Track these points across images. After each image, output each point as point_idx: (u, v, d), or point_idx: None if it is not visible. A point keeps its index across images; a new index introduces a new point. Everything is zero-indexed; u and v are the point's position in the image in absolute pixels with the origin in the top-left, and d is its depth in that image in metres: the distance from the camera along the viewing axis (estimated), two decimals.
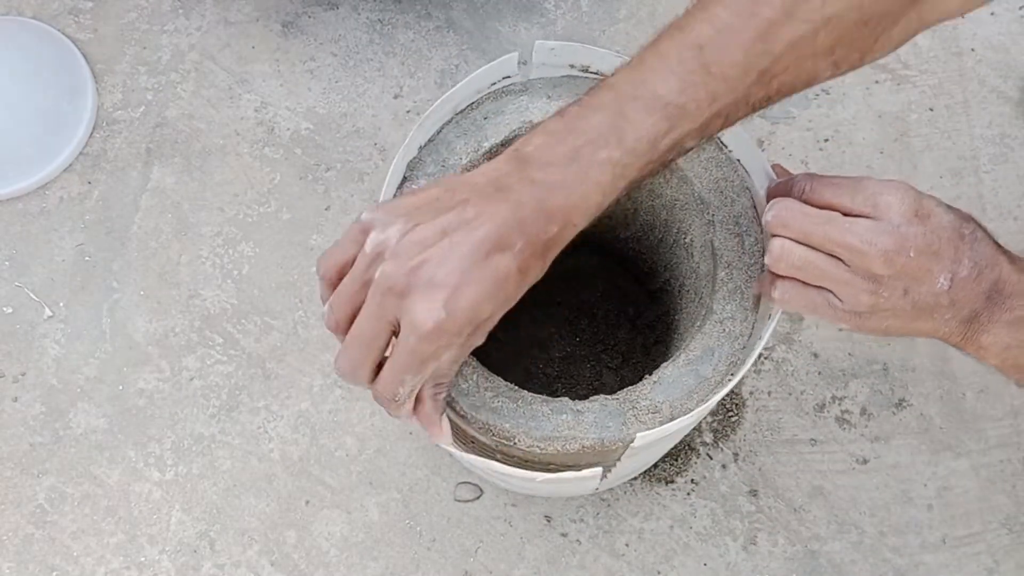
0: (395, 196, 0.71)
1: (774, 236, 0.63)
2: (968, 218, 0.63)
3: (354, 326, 0.58)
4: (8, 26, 1.10)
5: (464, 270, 0.56)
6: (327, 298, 0.60)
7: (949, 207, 0.63)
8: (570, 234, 0.60)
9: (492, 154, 0.73)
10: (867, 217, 0.61)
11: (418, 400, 0.62)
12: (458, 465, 0.95)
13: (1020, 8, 1.10)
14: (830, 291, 0.62)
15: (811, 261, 0.62)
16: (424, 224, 0.57)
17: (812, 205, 0.62)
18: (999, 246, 0.64)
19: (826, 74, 0.63)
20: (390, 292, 0.56)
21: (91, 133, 1.06)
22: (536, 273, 0.60)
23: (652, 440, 0.65)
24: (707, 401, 0.66)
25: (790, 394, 0.97)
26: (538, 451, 0.66)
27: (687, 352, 0.68)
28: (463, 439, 0.71)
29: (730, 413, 0.96)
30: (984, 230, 0.63)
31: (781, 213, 0.62)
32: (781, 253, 0.62)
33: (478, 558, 0.92)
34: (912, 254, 0.60)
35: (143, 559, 0.93)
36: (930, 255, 0.61)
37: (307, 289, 1.01)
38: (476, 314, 0.56)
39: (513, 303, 0.59)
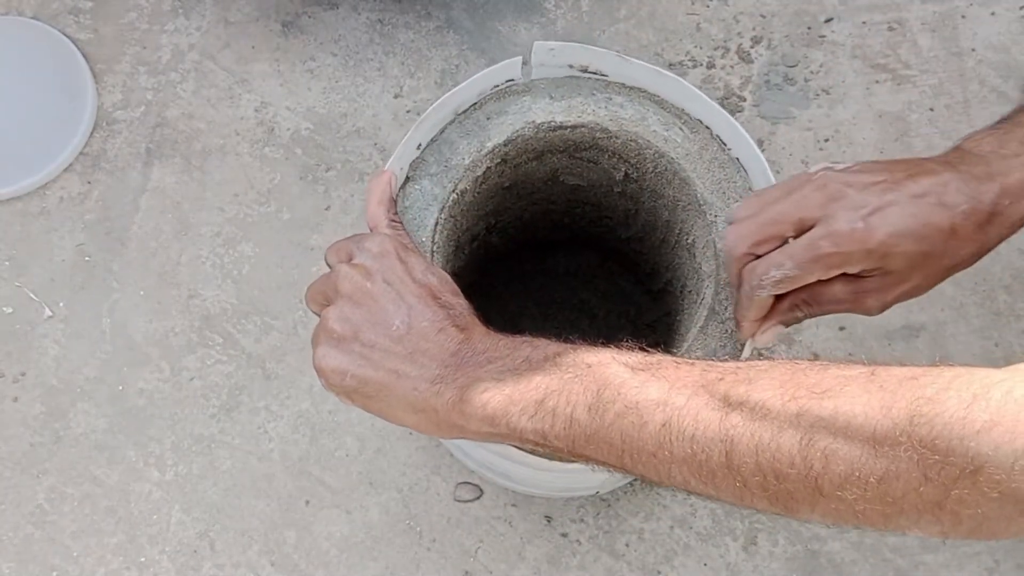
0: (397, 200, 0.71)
1: None
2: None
3: (771, 206, 0.62)
4: (8, 26, 1.10)
5: (895, 201, 0.59)
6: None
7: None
8: (1018, 214, 0.61)
9: (495, 154, 0.73)
10: None
11: (773, 310, 0.65)
12: (458, 465, 0.95)
13: (1020, 8, 1.10)
14: None
15: None
16: (870, 169, 0.61)
17: None
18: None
19: None
20: (822, 190, 0.60)
21: (91, 133, 1.06)
22: (969, 248, 0.61)
23: None
24: None
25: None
26: (540, 451, 0.66)
27: (689, 353, 0.68)
28: None
29: None
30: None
31: None
32: None
33: (478, 558, 0.92)
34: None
35: (143, 559, 0.93)
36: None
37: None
38: (891, 241, 0.59)
39: (937, 268, 0.61)
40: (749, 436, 0.49)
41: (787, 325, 0.66)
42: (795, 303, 0.65)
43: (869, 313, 0.64)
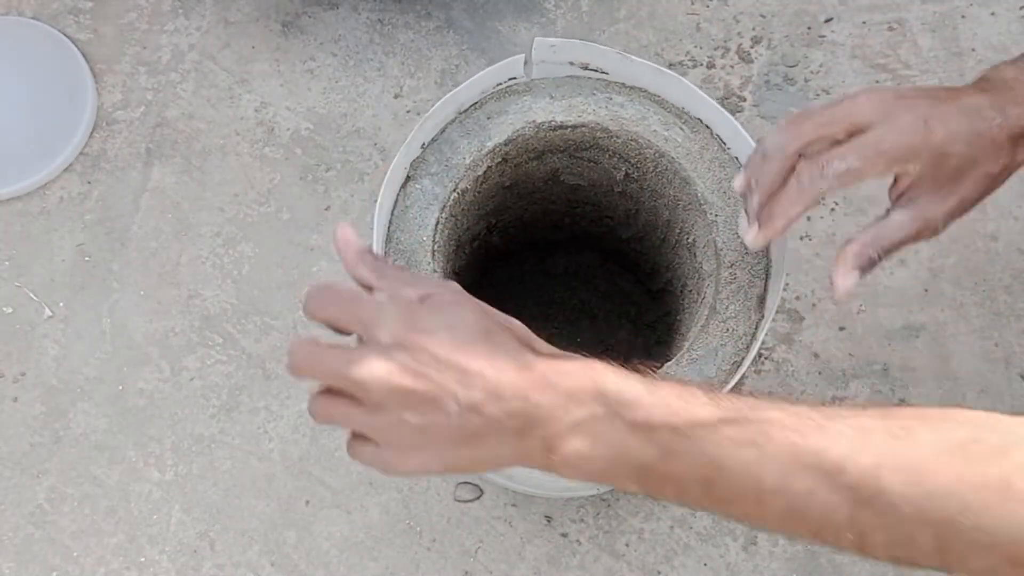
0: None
1: None
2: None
3: (825, 110, 0.65)
4: (8, 26, 1.10)
5: (947, 111, 0.64)
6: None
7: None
8: None
9: (495, 153, 0.73)
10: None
11: (842, 256, 0.67)
12: None
13: (1020, 8, 1.10)
14: None
15: None
16: (914, 89, 0.66)
17: None
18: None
19: None
20: (875, 96, 0.65)
21: (91, 133, 1.06)
22: (1003, 159, 0.66)
23: None
24: None
25: (791, 394, 0.97)
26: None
27: (690, 352, 0.68)
28: None
29: None
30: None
31: None
32: None
33: (478, 558, 0.92)
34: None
35: (143, 559, 0.93)
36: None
37: (307, 289, 1.01)
38: (948, 140, 0.64)
39: (980, 176, 0.66)
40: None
41: (863, 272, 0.67)
42: (864, 244, 0.67)
43: (936, 230, 0.67)
